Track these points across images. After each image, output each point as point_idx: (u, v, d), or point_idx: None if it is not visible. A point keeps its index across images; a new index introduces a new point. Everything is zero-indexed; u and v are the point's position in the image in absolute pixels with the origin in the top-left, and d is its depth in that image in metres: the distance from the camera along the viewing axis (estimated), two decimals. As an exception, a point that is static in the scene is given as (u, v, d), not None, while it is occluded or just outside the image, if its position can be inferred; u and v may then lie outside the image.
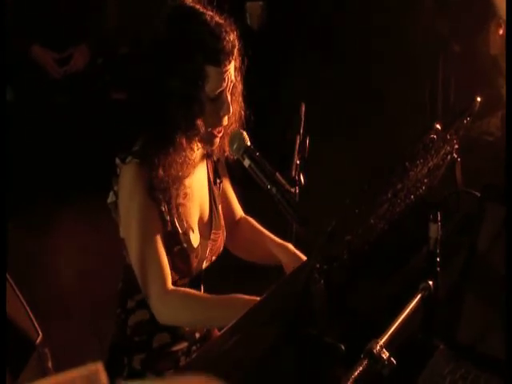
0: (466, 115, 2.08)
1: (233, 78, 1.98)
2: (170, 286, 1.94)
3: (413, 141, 1.96)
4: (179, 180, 1.99)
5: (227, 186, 2.27)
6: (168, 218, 1.99)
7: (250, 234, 2.29)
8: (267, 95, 4.19)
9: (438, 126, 2.00)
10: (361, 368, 1.43)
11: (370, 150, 4.10)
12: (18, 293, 2.04)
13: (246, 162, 1.91)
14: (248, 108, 2.10)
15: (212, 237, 2.14)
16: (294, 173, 2.23)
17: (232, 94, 2.02)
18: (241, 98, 2.08)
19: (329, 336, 1.55)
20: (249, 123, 2.09)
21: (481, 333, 1.71)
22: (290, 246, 2.18)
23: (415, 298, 1.63)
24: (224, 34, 1.93)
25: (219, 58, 1.92)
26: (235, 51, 1.96)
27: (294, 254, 2.14)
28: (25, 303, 2.03)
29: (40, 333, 1.94)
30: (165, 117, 1.94)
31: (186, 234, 2.03)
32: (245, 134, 1.97)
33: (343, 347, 1.55)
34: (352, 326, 1.68)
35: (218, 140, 2.03)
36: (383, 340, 1.48)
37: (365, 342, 1.48)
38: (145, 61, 2.05)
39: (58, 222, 3.77)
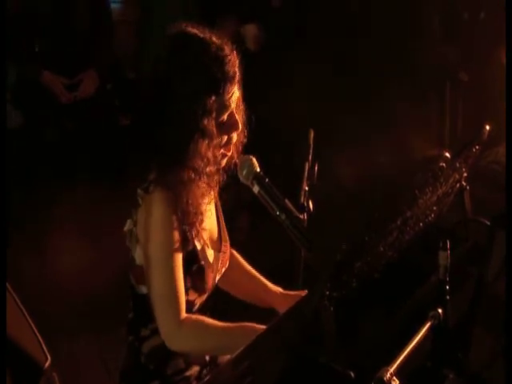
0: (475, 143, 2.09)
1: (237, 94, 1.92)
2: (183, 315, 1.92)
3: (421, 168, 1.97)
4: (201, 205, 1.96)
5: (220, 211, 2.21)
6: (189, 237, 1.95)
7: (237, 271, 2.26)
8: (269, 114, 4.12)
9: (447, 155, 2.01)
10: (371, 396, 1.42)
11: (378, 176, 4.11)
12: (26, 314, 2.04)
13: (256, 189, 1.88)
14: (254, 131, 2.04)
15: (222, 249, 2.11)
16: (302, 199, 2.24)
17: (237, 106, 1.95)
18: (241, 105, 1.99)
19: (338, 363, 1.55)
20: (256, 147, 2.05)
21: (490, 361, 1.71)
22: (282, 291, 2.21)
23: (425, 325, 1.63)
24: (226, 59, 1.86)
25: (224, 87, 1.86)
26: (237, 73, 1.90)
27: (288, 298, 2.16)
28: (33, 325, 2.02)
29: (48, 356, 1.93)
30: (173, 147, 1.87)
31: (203, 250, 2.00)
32: (254, 160, 1.92)
33: (353, 374, 1.55)
34: (362, 353, 1.68)
35: (225, 159, 1.98)
36: (393, 368, 1.47)
37: (375, 369, 1.47)
38: (147, 88, 1.97)
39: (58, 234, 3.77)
